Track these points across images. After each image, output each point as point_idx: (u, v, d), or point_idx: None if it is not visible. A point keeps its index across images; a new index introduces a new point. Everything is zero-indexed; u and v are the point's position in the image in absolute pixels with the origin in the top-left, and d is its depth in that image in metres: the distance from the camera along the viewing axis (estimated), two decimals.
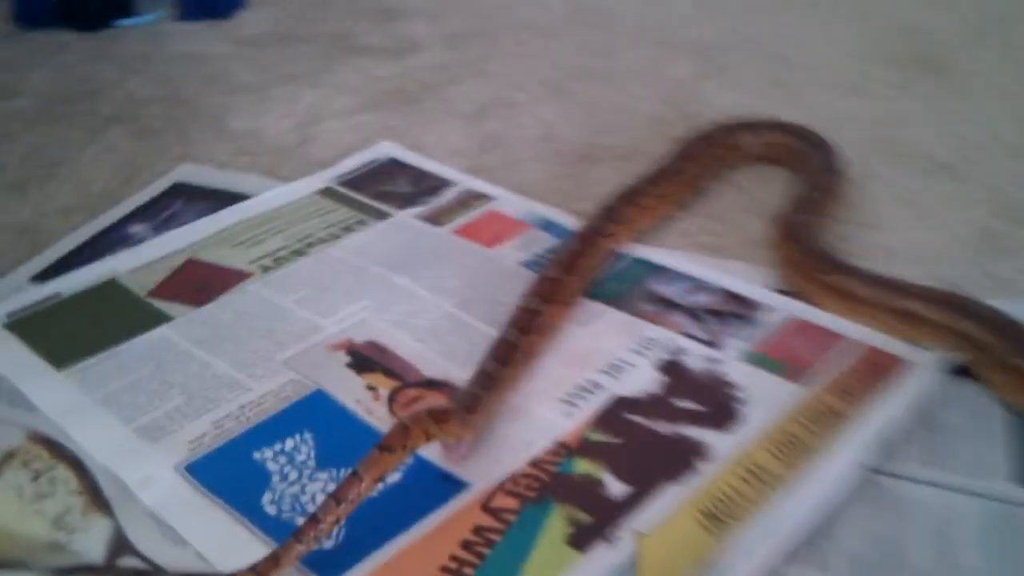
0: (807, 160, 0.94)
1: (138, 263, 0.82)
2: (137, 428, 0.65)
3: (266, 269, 0.81)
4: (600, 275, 0.79)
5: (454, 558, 0.55)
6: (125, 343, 0.73)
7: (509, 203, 0.91)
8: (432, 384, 0.69)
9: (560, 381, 0.69)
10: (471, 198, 0.91)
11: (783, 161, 0.97)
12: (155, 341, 0.73)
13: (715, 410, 0.66)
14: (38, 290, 0.78)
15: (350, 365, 0.70)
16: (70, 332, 0.74)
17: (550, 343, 0.72)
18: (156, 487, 0.61)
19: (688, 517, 0.57)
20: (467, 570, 0.54)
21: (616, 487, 0.60)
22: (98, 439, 0.64)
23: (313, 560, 0.55)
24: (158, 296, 0.78)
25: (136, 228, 0.88)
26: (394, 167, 0.97)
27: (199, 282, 0.80)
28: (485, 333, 0.72)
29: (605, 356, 0.71)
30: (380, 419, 0.65)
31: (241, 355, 0.71)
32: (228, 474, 0.62)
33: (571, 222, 0.85)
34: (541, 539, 0.56)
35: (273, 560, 0.53)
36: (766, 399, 0.66)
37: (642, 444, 0.63)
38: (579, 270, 0.76)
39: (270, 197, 0.91)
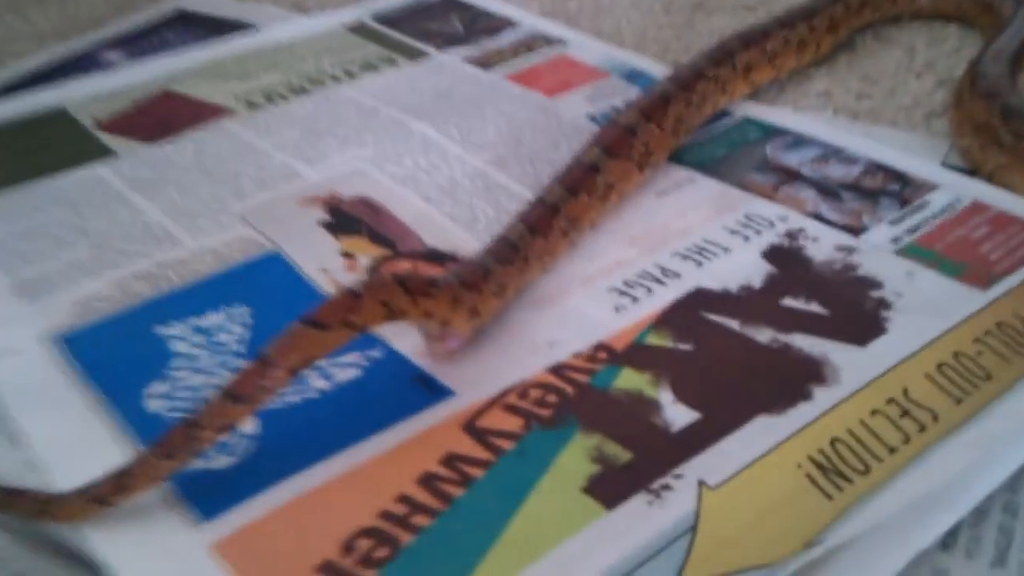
0: (1002, 14, 0.68)
1: (98, 92, 0.64)
2: (17, 282, 0.47)
3: (252, 106, 0.63)
4: (694, 133, 0.57)
5: (406, 500, 0.35)
6: (46, 179, 0.55)
7: (586, 48, 0.69)
8: (435, 257, 0.48)
9: (617, 265, 0.47)
10: (537, 40, 0.70)
11: (970, 17, 0.71)
12: (83, 179, 0.55)
13: (846, 316, 0.43)
14: None
15: (326, 224, 0.51)
16: None
17: (609, 212, 0.51)
18: (10, 361, 0.43)
19: (790, 468, 0.35)
20: (420, 519, 0.34)
21: (676, 413, 0.38)
22: None
23: (200, 483, 0.36)
24: (109, 130, 0.60)
25: (112, 55, 0.70)
26: (448, 5, 0.77)
27: (164, 117, 0.61)
28: (522, 199, 0.51)
29: (688, 235, 0.49)
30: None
31: (186, 202, 0.53)
32: (116, 353, 0.43)
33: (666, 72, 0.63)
34: (548, 481, 0.35)
35: (119, 480, 0.35)
36: (929, 306, 0.43)
37: (726, 356, 0.41)
38: (665, 120, 0.54)
39: (282, 29, 0.72)
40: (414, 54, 0.69)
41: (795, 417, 0.37)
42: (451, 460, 0.37)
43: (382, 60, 0.68)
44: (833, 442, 0.36)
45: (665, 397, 0.39)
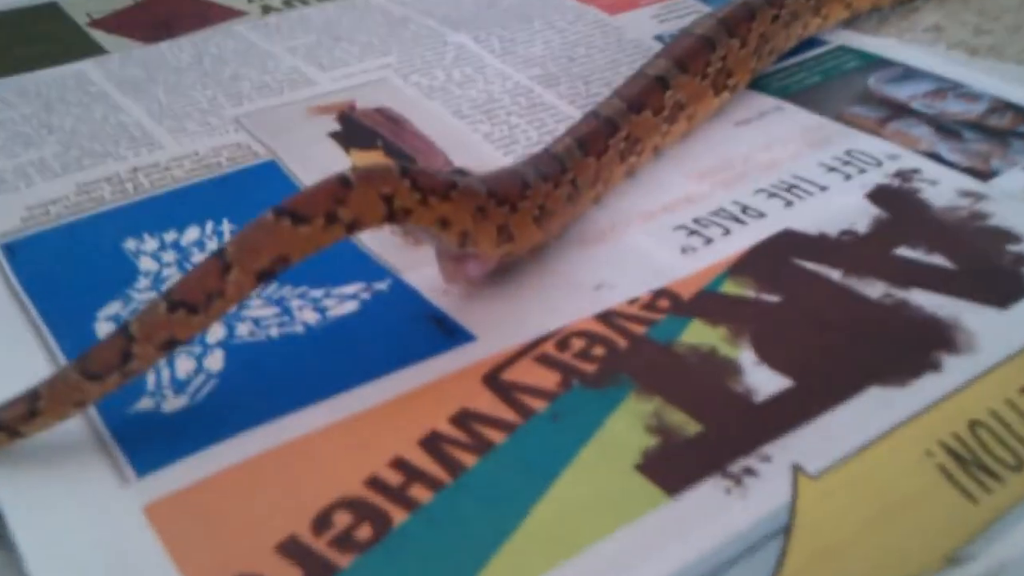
0: None
1: None
2: None
3: (267, 10, 0.54)
4: (779, 57, 0.48)
5: (403, 465, 0.27)
6: (19, 75, 0.48)
7: None
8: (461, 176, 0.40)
9: (686, 200, 0.39)
10: None
11: None
12: (63, 75, 0.47)
13: (978, 272, 0.34)
14: None
15: (336, 135, 0.43)
16: None
17: (676, 139, 0.42)
18: None
19: (917, 456, 0.26)
20: (418, 492, 0.26)
21: (761, 378, 0.29)
22: None
23: (139, 426, 0.28)
24: (102, 27, 0.52)
25: None
26: None
27: (166, 16, 0.54)
28: (572, 121, 0.42)
29: (774, 170, 0.40)
30: None
31: (173, 103, 0.45)
32: (68, 266, 0.35)
33: None
34: (590, 453, 0.27)
35: (31, 403, 0.26)
36: None
37: (825, 311, 0.32)
38: (748, 37, 0.45)
39: None
40: None
41: (920, 391, 0.28)
42: (464, 418, 0.28)
43: None
44: (972, 426, 0.27)
45: (746, 358, 0.30)
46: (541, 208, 0.34)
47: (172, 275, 0.34)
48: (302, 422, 0.28)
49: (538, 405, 0.29)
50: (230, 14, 0.54)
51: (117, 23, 0.53)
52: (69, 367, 0.27)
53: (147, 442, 0.28)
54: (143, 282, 0.34)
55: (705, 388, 0.29)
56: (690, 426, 0.27)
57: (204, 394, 0.29)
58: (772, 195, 0.39)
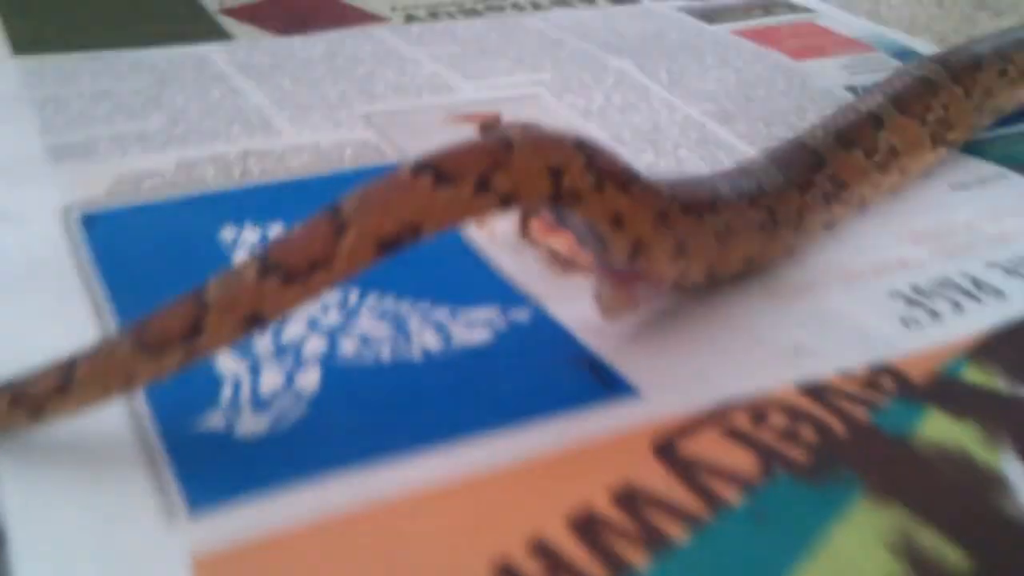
0: None
1: None
2: (54, 143, 0.34)
3: (411, 19, 0.50)
4: (998, 120, 0.40)
5: (545, 552, 0.19)
6: (136, 49, 0.43)
7: (839, 20, 0.53)
8: None
9: (900, 264, 0.31)
10: (776, 5, 0.55)
11: None
12: (182, 55, 0.43)
13: None
14: None
15: None
16: (66, 24, 0.45)
17: (885, 191, 0.34)
18: (4, 227, 0.30)
19: None
20: None
21: None
22: None
23: (202, 445, 0.22)
24: (233, 15, 0.48)
25: None
26: None
27: (304, 12, 0.49)
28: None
29: (1007, 245, 0.32)
30: (489, 236, 0.31)
31: (299, 92, 0.40)
32: (151, 249, 0.29)
33: None
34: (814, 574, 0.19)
35: (65, 373, 0.20)
36: None
37: None
38: (973, 87, 0.38)
39: None
40: None
41: None
42: (630, 498, 0.21)
43: None
44: None
45: (1014, 471, 0.22)
46: (727, 226, 0.27)
47: None
48: (411, 473, 0.21)
49: (731, 496, 0.21)
50: (369, 19, 0.49)
51: (250, 13, 0.48)
52: (121, 334, 0.20)
53: (208, 468, 0.21)
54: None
55: (964, 505, 0.21)
56: (952, 555, 0.20)
57: (290, 420, 0.23)
58: (1010, 272, 0.31)
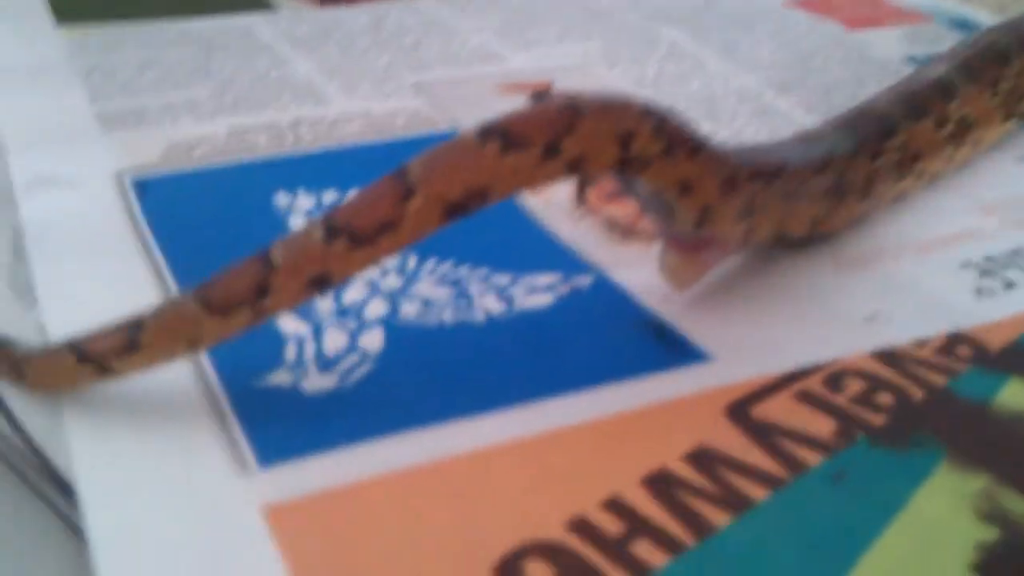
0: None
1: None
2: (103, 111, 0.34)
3: None
4: None
5: (621, 509, 0.19)
6: (181, 20, 0.43)
7: None
8: None
9: (970, 235, 0.30)
10: None
11: None
12: (226, 26, 0.42)
13: None
14: None
15: None
16: None
17: (955, 164, 0.33)
18: (63, 194, 0.29)
19: None
20: (645, 551, 0.18)
21: None
22: (28, 112, 0.34)
23: (271, 404, 0.21)
24: None
25: None
26: None
27: None
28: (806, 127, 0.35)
29: None
30: (545, 205, 0.31)
31: (347, 62, 0.39)
32: (207, 214, 0.29)
33: None
34: (898, 538, 0.18)
35: (133, 333, 0.20)
36: None
37: None
38: None
39: None
40: None
41: None
42: (706, 458, 0.20)
43: None
44: None
45: None
46: (793, 190, 0.26)
47: None
48: (480, 430, 0.21)
49: (810, 458, 0.20)
50: None
51: None
52: (187, 295, 0.20)
53: (278, 425, 0.21)
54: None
55: None
56: None
57: (356, 378, 0.22)
58: None
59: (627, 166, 0.21)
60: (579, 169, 0.21)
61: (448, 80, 0.38)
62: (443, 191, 0.20)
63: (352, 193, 0.20)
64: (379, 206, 0.20)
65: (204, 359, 0.23)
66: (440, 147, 0.20)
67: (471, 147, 0.20)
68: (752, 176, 0.25)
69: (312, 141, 0.33)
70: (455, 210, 0.20)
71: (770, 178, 0.25)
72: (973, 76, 0.33)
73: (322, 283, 0.20)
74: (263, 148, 0.32)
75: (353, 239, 0.20)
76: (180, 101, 0.35)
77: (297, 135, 0.33)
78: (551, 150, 0.20)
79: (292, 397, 0.21)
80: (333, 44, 0.41)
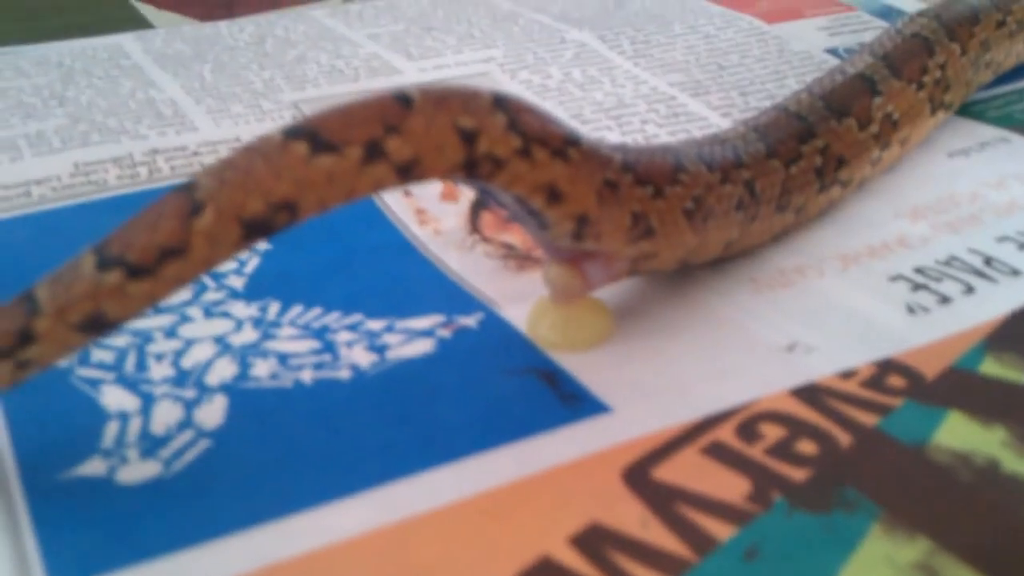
0: None
1: None
2: None
3: None
4: (996, 77, 0.37)
5: None
6: (46, 43, 0.39)
7: None
8: None
9: (899, 243, 0.27)
10: None
11: None
12: (94, 47, 0.39)
13: None
14: None
15: None
16: None
17: (887, 167, 0.31)
18: None
19: None
20: None
21: None
22: None
23: (79, 500, 0.17)
24: (152, 2, 0.44)
25: None
26: None
27: None
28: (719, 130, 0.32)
29: (1018, 213, 0.29)
30: (434, 234, 0.27)
31: (220, 82, 0.35)
32: (41, 264, 0.26)
33: None
34: None
35: None
36: None
37: None
38: (970, 43, 0.34)
39: None
40: None
41: None
42: (596, 541, 0.17)
43: None
44: None
45: None
46: (697, 202, 0.23)
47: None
48: (329, 524, 0.18)
49: (719, 531, 0.17)
50: (305, 0, 0.45)
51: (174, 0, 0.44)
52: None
53: (82, 532, 0.17)
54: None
55: (1000, 529, 0.17)
56: None
57: (184, 463, 0.19)
58: (1018, 243, 0.27)
59: (475, 169, 0.18)
60: (413, 174, 0.18)
61: (331, 97, 0.35)
62: (239, 205, 0.16)
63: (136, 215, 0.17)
64: (160, 228, 0.17)
65: (4, 444, 0.19)
66: (238, 152, 0.17)
67: (273, 150, 0.17)
68: (640, 181, 0.22)
69: (169, 174, 0.29)
70: (256, 228, 0.17)
71: (663, 184, 0.22)
72: (897, 69, 0.31)
73: (97, 325, 0.17)
74: (113, 185, 0.28)
75: (130, 269, 0.16)
76: (26, 134, 0.31)
77: (153, 167, 0.29)
78: (374, 152, 0.17)
79: (104, 493, 0.18)
80: (208, 63, 0.37)
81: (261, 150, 0.17)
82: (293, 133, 0.17)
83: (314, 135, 0.17)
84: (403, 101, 0.17)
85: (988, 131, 0.35)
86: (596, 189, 0.20)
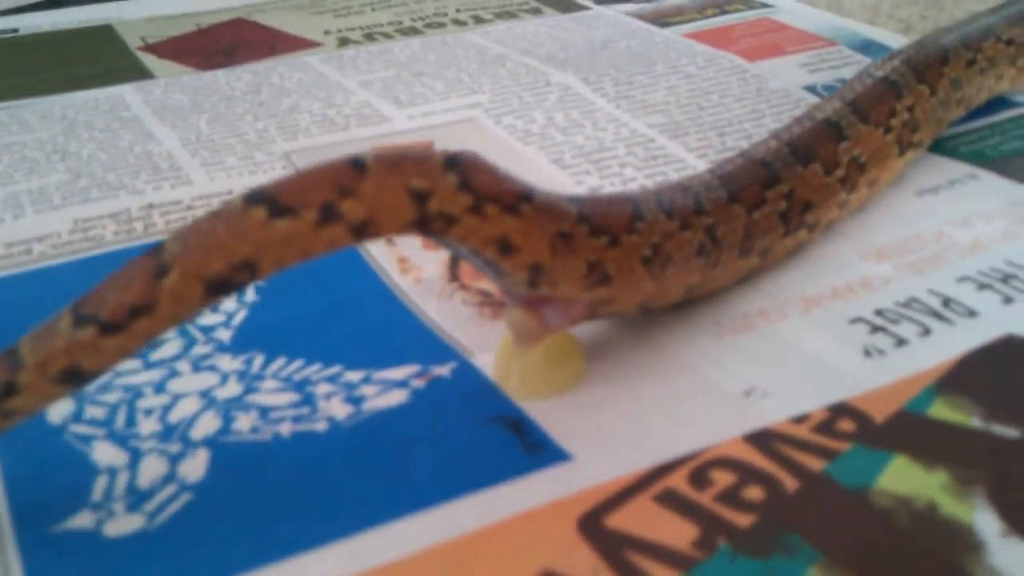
0: None
1: (157, 14, 0.50)
2: None
3: (345, 43, 0.47)
4: (968, 114, 0.38)
5: None
6: (48, 96, 0.41)
7: (799, 14, 0.50)
8: None
9: (863, 285, 0.28)
10: (730, 1, 0.52)
11: None
12: (96, 99, 0.40)
13: None
14: None
15: None
16: None
17: (854, 209, 0.32)
18: None
19: None
20: None
21: (1015, 558, 0.19)
22: None
23: (68, 553, 0.19)
24: (155, 51, 0.46)
25: None
26: None
27: (231, 44, 0.47)
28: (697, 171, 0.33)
29: (979, 254, 0.30)
30: (415, 283, 0.29)
31: (214, 133, 0.37)
32: (36, 317, 0.27)
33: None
34: None
35: None
36: None
37: None
38: (939, 83, 0.35)
39: None
40: (568, 6, 0.52)
41: None
42: None
43: (524, 9, 0.51)
44: None
45: (985, 523, 0.20)
46: (655, 249, 0.24)
47: (171, 340, 0.26)
48: (310, 570, 0.19)
49: None
50: (302, 45, 0.46)
51: (172, 49, 0.46)
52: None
53: None
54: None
55: (933, 573, 0.18)
56: None
57: (166, 516, 0.20)
58: (983, 286, 0.28)
59: (428, 225, 0.20)
60: (367, 233, 0.19)
61: (322, 146, 0.36)
62: (202, 266, 0.18)
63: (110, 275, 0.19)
64: (130, 288, 0.18)
65: (1, 497, 0.20)
66: (203, 217, 0.19)
67: (235, 215, 0.18)
68: (594, 232, 0.23)
69: (164, 229, 0.30)
70: (218, 286, 0.18)
71: (618, 233, 0.23)
72: (863, 114, 0.32)
73: (74, 377, 0.19)
74: (109, 240, 0.30)
75: (102, 326, 0.18)
76: (29, 190, 0.33)
77: (148, 223, 0.31)
78: (328, 214, 0.19)
79: (91, 546, 0.19)
80: (205, 113, 0.39)
81: (223, 215, 0.18)
82: (253, 199, 0.18)
83: (273, 200, 0.18)
84: (357, 166, 0.19)
85: (958, 168, 0.36)
86: (549, 240, 0.21)
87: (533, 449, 0.22)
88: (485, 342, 0.26)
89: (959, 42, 0.36)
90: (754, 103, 0.40)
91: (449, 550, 0.19)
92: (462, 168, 0.20)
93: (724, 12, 0.51)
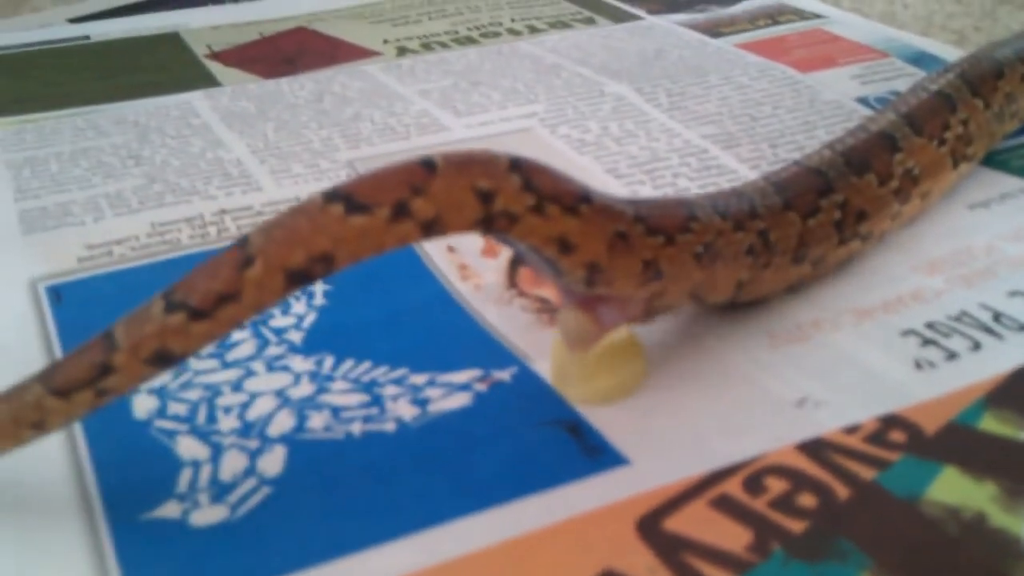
0: None
1: (222, 22, 0.52)
2: (27, 211, 0.33)
3: (403, 52, 0.48)
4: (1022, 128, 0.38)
5: None
6: (121, 102, 0.42)
7: (851, 25, 0.51)
8: None
9: (914, 297, 0.29)
10: (785, 12, 0.53)
11: None
12: (166, 105, 0.42)
13: None
14: (59, 28, 0.51)
15: None
16: (50, 80, 0.45)
17: (902, 222, 0.32)
18: None
19: None
20: None
21: None
22: None
23: (157, 539, 0.20)
24: (221, 59, 0.47)
25: None
26: None
27: (294, 52, 0.48)
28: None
29: None
30: (475, 289, 0.30)
31: (281, 141, 0.38)
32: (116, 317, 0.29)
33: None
34: None
35: None
36: None
37: None
38: (993, 97, 0.35)
39: None
40: (621, 16, 0.53)
41: None
42: None
43: (577, 19, 0.52)
44: None
45: None
46: (706, 247, 0.25)
47: (244, 340, 0.27)
48: (381, 563, 0.20)
49: None
50: (361, 54, 0.48)
51: (238, 56, 0.47)
52: (32, 378, 0.20)
53: (162, 567, 0.20)
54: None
55: None
56: None
57: (248, 508, 0.21)
58: None
59: (492, 224, 0.21)
60: (435, 230, 0.21)
61: (384, 154, 0.37)
62: (283, 257, 0.19)
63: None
64: (217, 277, 0.19)
65: (92, 488, 0.22)
66: (283, 213, 0.20)
67: (313, 211, 0.19)
68: (650, 232, 0.24)
69: (235, 234, 0.32)
70: (298, 277, 0.20)
71: (674, 233, 0.24)
72: (918, 127, 0.32)
73: (164, 359, 0.20)
74: (185, 244, 0.31)
75: (191, 312, 0.19)
76: (107, 194, 0.34)
77: (221, 227, 0.32)
78: (400, 211, 0.20)
79: (178, 534, 0.21)
80: (271, 121, 0.40)
81: (303, 211, 0.20)
82: (331, 196, 0.20)
83: (349, 197, 0.20)
84: (428, 167, 0.20)
85: (1011, 182, 0.36)
86: (607, 240, 0.22)
87: (591, 452, 0.23)
88: (544, 348, 0.27)
89: (1014, 56, 0.37)
90: (806, 114, 0.40)
91: (512, 547, 0.20)
92: (525, 170, 0.21)
93: (776, 23, 0.51)
